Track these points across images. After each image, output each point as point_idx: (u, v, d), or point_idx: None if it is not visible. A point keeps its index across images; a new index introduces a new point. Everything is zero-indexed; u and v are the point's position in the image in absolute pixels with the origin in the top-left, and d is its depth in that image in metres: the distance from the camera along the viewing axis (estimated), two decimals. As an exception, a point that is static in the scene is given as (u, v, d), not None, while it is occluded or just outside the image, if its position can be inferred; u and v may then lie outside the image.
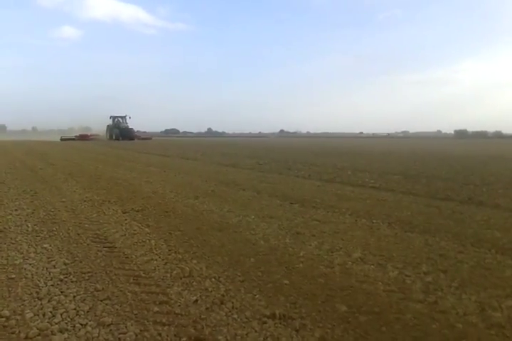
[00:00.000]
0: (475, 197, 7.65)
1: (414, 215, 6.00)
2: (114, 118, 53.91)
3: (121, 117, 53.98)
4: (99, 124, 59.85)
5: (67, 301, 2.98)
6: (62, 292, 3.15)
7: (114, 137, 50.59)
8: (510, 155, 23.34)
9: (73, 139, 49.05)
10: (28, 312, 2.79)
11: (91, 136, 53.77)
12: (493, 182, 9.81)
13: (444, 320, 2.73)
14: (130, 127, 53.32)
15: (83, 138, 50.59)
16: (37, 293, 3.13)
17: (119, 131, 50.91)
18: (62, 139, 48.33)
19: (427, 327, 2.63)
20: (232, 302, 2.99)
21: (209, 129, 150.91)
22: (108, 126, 54.17)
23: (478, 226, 5.38)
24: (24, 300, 3.00)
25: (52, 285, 3.27)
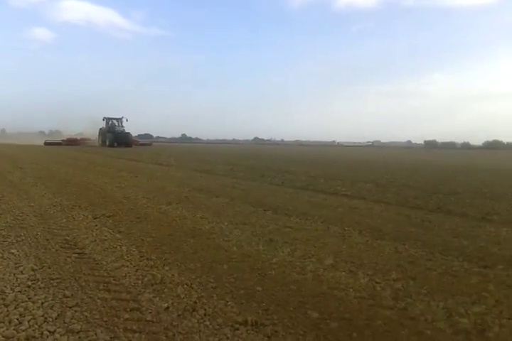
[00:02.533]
0: (443, 206, 7.85)
1: (385, 223, 6.11)
2: (107, 120, 45.72)
3: (117, 119, 45.73)
4: (87, 128, 53.76)
5: (35, 308, 2.90)
6: (29, 298, 3.06)
7: (107, 143, 42.47)
8: (477, 166, 24.06)
9: (59, 144, 44.70)
10: (-7, 320, 2.71)
11: (81, 140, 48.44)
12: (461, 192, 10.09)
13: (413, 326, 2.79)
14: (126, 131, 44.85)
15: (71, 142, 45.72)
16: (3, 299, 3.03)
17: (114, 136, 42.73)
18: (46, 143, 43.92)
19: (397, 334, 2.68)
20: (205, 309, 2.98)
21: (183, 135, 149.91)
22: (101, 129, 46.10)
23: (446, 234, 5.52)
24: (-11, 307, 2.91)
25: (19, 292, 3.18)
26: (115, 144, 41.75)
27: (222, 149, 45.87)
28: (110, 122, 45.46)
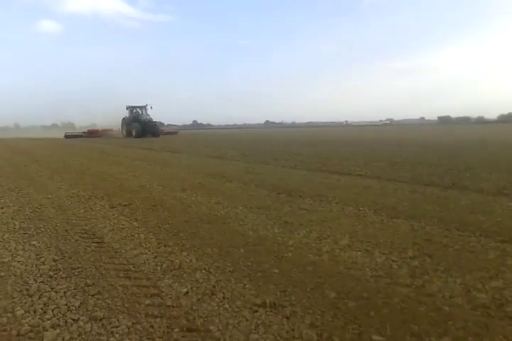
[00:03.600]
0: (459, 181, 7.77)
1: (400, 201, 6.08)
2: (131, 109, 41.81)
3: (141, 107, 42.02)
4: (106, 118, 50.31)
5: (58, 297, 2.98)
6: (52, 288, 3.14)
7: (134, 133, 38.50)
8: (492, 139, 23.68)
9: (81, 136, 42.29)
10: (18, 310, 2.79)
11: (102, 131, 45.20)
12: (476, 166, 9.97)
13: (430, 303, 2.80)
14: (154, 120, 40.70)
15: (92, 134, 43.30)
16: (27, 290, 3.12)
17: (140, 126, 38.69)
18: (66, 136, 41.47)
19: (415, 311, 2.69)
20: (223, 293, 3.03)
21: (194, 122, 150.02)
22: (124, 119, 42.08)
23: (462, 210, 5.48)
24: (14, 298, 2.99)
25: (42, 282, 3.27)
26: (141, 134, 37.98)
27: (234, 134, 45.65)
28: (134, 111, 41.71)
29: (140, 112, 41.57)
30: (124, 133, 41.05)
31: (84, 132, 44.17)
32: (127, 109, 41.69)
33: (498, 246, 3.96)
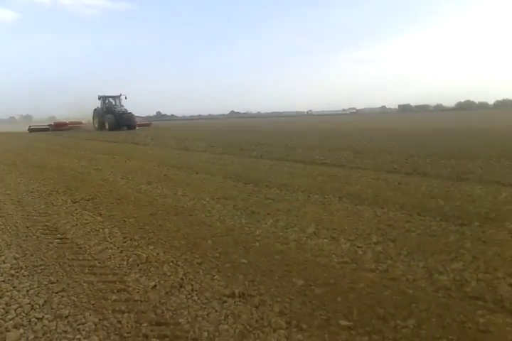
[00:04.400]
0: (419, 168, 8.00)
1: (364, 189, 6.21)
2: (104, 99, 37.42)
3: (114, 97, 37.78)
4: (69, 110, 47.38)
5: (21, 296, 2.89)
6: (14, 287, 3.05)
7: (107, 126, 34.45)
8: (450, 127, 24.44)
9: (47, 129, 38.60)
10: (-22, 311, 2.69)
11: (71, 124, 40.82)
12: (435, 153, 10.27)
13: (395, 286, 2.88)
14: (128, 111, 36.25)
15: (60, 127, 39.25)
16: (-13, 290, 3.02)
17: (114, 118, 34.52)
18: (31, 130, 37.90)
19: (380, 295, 2.77)
20: (192, 285, 3.02)
21: (158, 113, 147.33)
22: (95, 110, 37.87)
23: (423, 196, 5.65)
24: (-27, 299, 2.89)
25: (3, 281, 3.16)
26: (114, 127, 34.02)
27: (199, 125, 45.06)
28: (107, 101, 37.47)
29: (114, 103, 37.47)
30: (96, 125, 37.04)
31: (50, 125, 39.92)
32: (99, 99, 37.35)
33: (458, 229, 4.11)
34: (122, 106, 36.93)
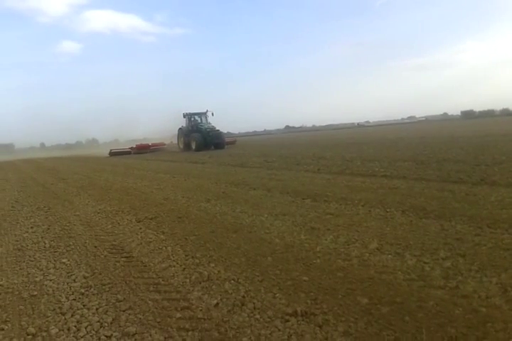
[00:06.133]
0: (487, 177, 7.57)
1: (428, 201, 5.96)
2: (189, 117, 33.83)
3: (200, 114, 34.21)
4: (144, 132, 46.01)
5: (90, 314, 3.01)
6: (84, 305, 3.18)
7: (194, 146, 30.77)
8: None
9: (128, 152, 36.42)
10: (53, 328, 2.83)
11: (152, 146, 38.34)
12: (504, 160, 9.70)
13: (466, 304, 2.72)
14: (217, 129, 32.28)
15: (142, 149, 36.63)
16: (60, 308, 3.17)
17: (201, 136, 30.65)
18: (111, 154, 35.76)
19: (450, 313, 2.61)
20: (253, 303, 3.00)
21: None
22: (180, 129, 34.48)
23: (492, 206, 5.33)
24: (48, 316, 3.04)
25: (74, 300, 3.31)
26: (203, 147, 30.31)
27: (255, 140, 45.13)
28: (192, 119, 33.84)
29: (199, 120, 33.96)
30: (181, 145, 33.81)
31: (131, 148, 37.52)
32: (184, 116, 33.89)
33: (534, 242, 3.82)
34: (209, 123, 33.42)
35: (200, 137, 30.65)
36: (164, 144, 39.49)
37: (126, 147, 38.15)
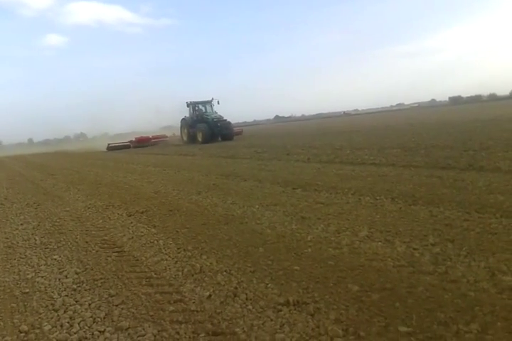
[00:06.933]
0: (475, 162, 7.64)
1: (417, 187, 6.01)
2: (193, 105, 30.80)
3: (205, 103, 31.12)
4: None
5: (83, 310, 3.02)
6: (77, 301, 3.18)
7: (200, 138, 28.07)
8: (505, 116, 23.23)
9: (127, 147, 34.50)
10: (45, 325, 2.83)
11: (153, 138, 35.77)
12: (491, 145, 9.79)
13: (455, 289, 2.76)
14: (224, 118, 29.09)
15: (142, 142, 34.52)
16: (52, 304, 3.17)
17: (208, 127, 27.88)
18: (109, 148, 33.74)
19: (440, 299, 2.65)
20: (246, 294, 3.02)
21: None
22: (183, 119, 31.52)
23: (480, 192, 5.39)
24: (40, 313, 3.04)
25: (66, 296, 3.31)
26: (209, 138, 27.62)
27: (245, 131, 45.02)
28: (196, 108, 30.78)
29: (204, 110, 30.86)
30: (185, 138, 30.94)
31: (131, 141, 35.54)
32: (188, 106, 30.97)
33: (521, 225, 3.88)
34: (215, 112, 30.34)
35: (206, 128, 27.95)
36: (166, 136, 37.18)
37: (126, 140, 36.01)
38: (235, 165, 11.75)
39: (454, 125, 19.71)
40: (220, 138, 28.65)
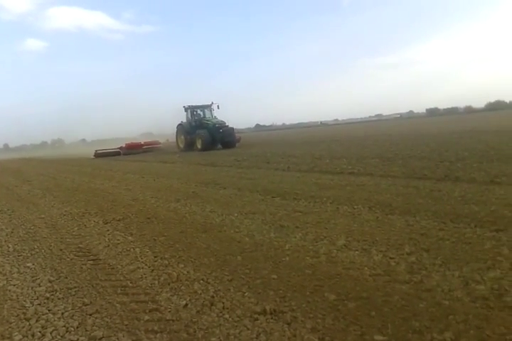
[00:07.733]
0: (451, 173, 7.79)
1: (394, 197, 6.09)
2: (192, 110, 28.55)
3: (203, 108, 29.01)
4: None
5: (56, 319, 2.95)
6: (49, 310, 3.11)
7: (200, 145, 25.65)
8: (480, 128, 23.80)
9: (117, 154, 31.88)
10: (16, 335, 2.76)
11: (145, 144, 33.51)
12: (467, 157, 10.00)
13: (430, 298, 2.79)
14: (226, 124, 26.89)
15: (133, 149, 31.99)
16: (24, 313, 3.09)
17: (209, 133, 25.75)
18: (97, 155, 31.30)
19: (415, 307, 2.68)
20: (223, 303, 3.00)
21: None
22: (181, 124, 28.91)
23: (456, 202, 5.49)
24: (11, 323, 2.96)
25: (39, 304, 3.23)
26: (209, 146, 25.47)
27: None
28: (195, 112, 28.61)
29: (202, 115, 28.83)
30: (182, 145, 28.38)
31: (121, 147, 32.80)
32: (186, 110, 28.68)
33: (494, 235, 3.97)
34: (216, 117, 28.25)
35: (207, 134, 25.68)
36: (159, 143, 35.15)
37: (116, 147, 33.30)
38: (214, 173, 11.72)
39: (431, 136, 20.09)
40: (220, 146, 26.51)
